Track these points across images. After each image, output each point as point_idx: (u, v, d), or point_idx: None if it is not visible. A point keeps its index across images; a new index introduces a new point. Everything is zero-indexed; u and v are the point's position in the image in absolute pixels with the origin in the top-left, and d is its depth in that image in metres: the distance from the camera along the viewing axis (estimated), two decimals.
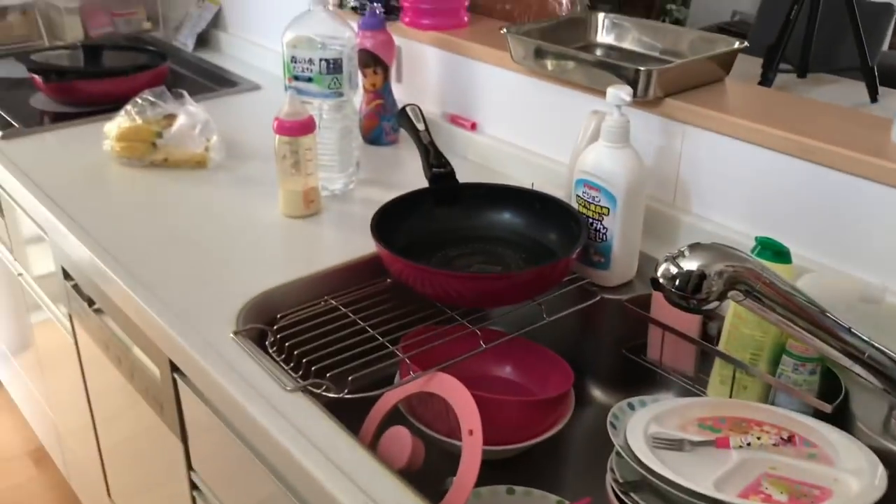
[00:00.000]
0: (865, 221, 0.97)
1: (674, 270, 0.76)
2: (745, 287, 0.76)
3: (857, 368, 0.80)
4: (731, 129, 1.07)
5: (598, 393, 1.14)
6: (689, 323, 1.02)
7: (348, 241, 1.15)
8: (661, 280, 0.77)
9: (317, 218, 1.22)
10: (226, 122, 1.51)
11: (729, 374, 0.97)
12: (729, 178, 1.09)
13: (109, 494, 1.56)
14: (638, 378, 1.09)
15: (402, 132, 1.46)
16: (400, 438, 0.89)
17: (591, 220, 1.07)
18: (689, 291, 0.75)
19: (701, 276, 0.76)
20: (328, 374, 0.89)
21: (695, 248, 0.76)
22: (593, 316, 1.10)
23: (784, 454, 0.84)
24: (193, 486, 1.12)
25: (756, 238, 0.92)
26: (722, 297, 0.76)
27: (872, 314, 0.89)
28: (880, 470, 0.80)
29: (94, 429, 1.49)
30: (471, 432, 0.86)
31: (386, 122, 1.46)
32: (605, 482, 0.86)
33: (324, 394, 0.87)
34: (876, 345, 0.79)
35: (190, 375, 0.97)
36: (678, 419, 0.90)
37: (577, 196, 1.08)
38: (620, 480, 0.84)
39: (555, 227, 1.10)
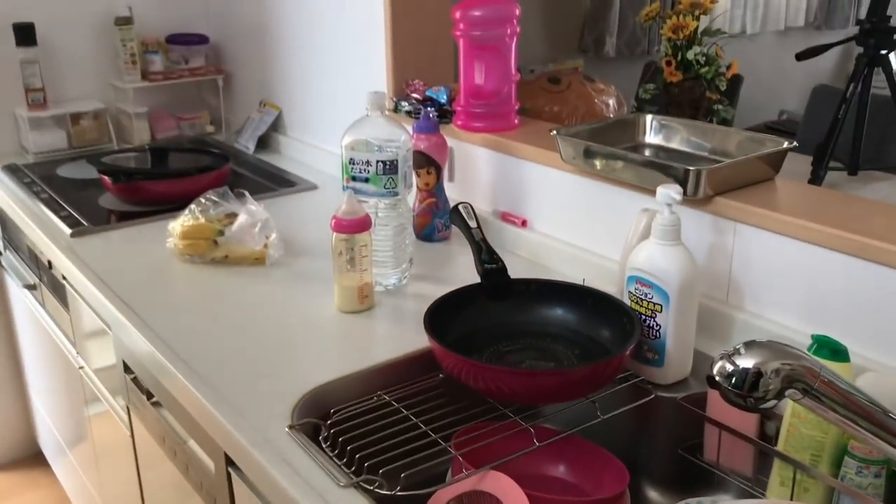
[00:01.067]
0: None
1: (730, 368, 0.76)
2: (803, 385, 0.75)
3: None
4: (782, 226, 1.07)
5: (653, 494, 1.12)
6: (747, 422, 1.01)
7: (401, 336, 1.17)
8: (717, 378, 0.77)
9: (371, 313, 1.24)
10: (284, 221, 1.56)
11: (789, 475, 0.94)
12: (782, 276, 1.09)
13: None
14: (694, 479, 1.07)
15: (454, 229, 1.50)
16: None
17: (643, 317, 1.07)
18: (746, 389, 0.75)
19: (757, 373, 0.75)
20: (381, 471, 0.89)
21: (751, 345, 0.76)
22: (648, 414, 1.09)
23: None
24: None
25: (812, 336, 0.91)
26: (779, 395, 0.75)
27: None
28: None
29: None
30: None
31: (438, 220, 1.49)
32: None
33: (376, 490, 0.87)
34: None
35: (244, 469, 0.98)
36: None
37: (630, 292, 1.08)
38: None
39: (607, 324, 1.11)
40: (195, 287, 1.35)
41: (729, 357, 0.76)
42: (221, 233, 1.43)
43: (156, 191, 1.71)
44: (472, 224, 1.23)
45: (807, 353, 0.78)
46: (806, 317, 1.07)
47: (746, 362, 0.75)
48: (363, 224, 1.20)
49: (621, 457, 1.05)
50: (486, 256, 1.18)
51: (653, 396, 1.06)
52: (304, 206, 1.74)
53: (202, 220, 1.43)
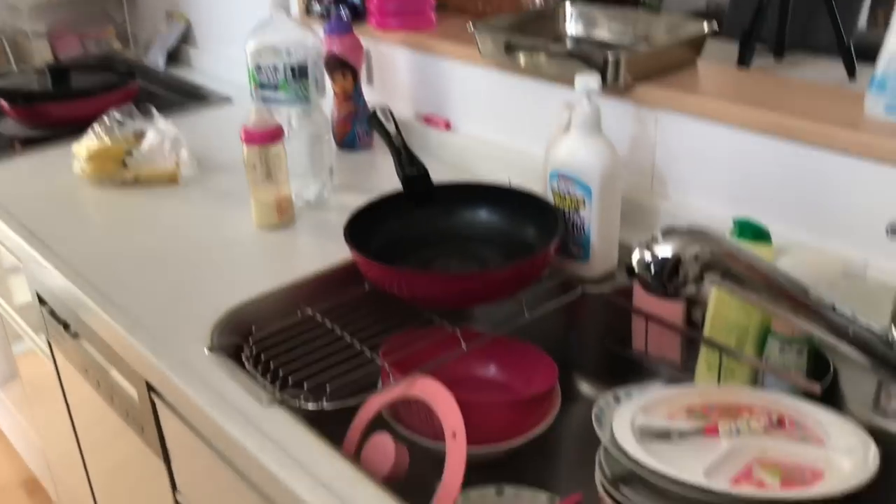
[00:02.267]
0: (843, 196, 0.95)
1: (648, 257, 0.74)
2: (723, 269, 0.74)
3: (843, 346, 0.78)
4: (703, 110, 1.05)
5: (585, 387, 1.12)
6: (673, 311, 1.01)
7: (324, 249, 1.13)
8: (636, 268, 0.75)
9: (291, 228, 1.20)
10: (197, 137, 1.49)
11: (715, 360, 0.95)
12: (705, 162, 1.08)
13: None
14: (625, 370, 1.07)
15: (377, 136, 1.45)
16: (382, 446, 0.87)
17: (567, 213, 1.05)
18: (666, 277, 0.73)
19: (676, 260, 0.74)
20: (306, 385, 0.87)
21: (669, 232, 0.75)
22: (576, 310, 1.08)
23: (775, 438, 0.82)
24: None
25: (734, 220, 0.91)
26: (699, 280, 0.74)
27: (855, 290, 0.87)
28: (872, 448, 0.78)
29: (81, 456, 1.47)
30: (454, 435, 0.84)
31: (359, 127, 1.44)
32: (594, 477, 0.84)
33: (302, 405, 0.85)
34: (860, 321, 0.78)
35: (166, 395, 0.95)
36: (666, 409, 0.88)
37: (553, 189, 1.06)
38: (609, 475, 0.82)
39: (533, 223, 1.09)
40: (106, 211, 1.29)
41: (647, 246, 0.75)
42: (130, 153, 1.36)
43: (58, 113, 1.61)
44: (391, 129, 1.19)
45: (726, 236, 0.77)
46: (730, 201, 1.07)
47: (664, 249, 0.74)
48: (275, 134, 1.15)
49: (551, 353, 1.05)
50: (407, 162, 1.14)
51: (579, 292, 1.05)
52: (218, 120, 1.66)
53: (107, 140, 1.36)
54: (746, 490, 0.74)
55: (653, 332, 1.03)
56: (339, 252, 1.08)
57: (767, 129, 0.99)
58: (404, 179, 1.12)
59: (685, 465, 0.78)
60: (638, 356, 1.05)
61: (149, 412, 1.04)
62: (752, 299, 0.75)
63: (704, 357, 0.97)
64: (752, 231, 0.90)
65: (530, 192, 1.10)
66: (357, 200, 1.10)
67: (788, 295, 0.76)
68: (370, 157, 1.45)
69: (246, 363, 0.93)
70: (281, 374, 0.88)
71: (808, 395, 0.87)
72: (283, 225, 1.19)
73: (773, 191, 1.02)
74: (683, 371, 1.01)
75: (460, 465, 0.82)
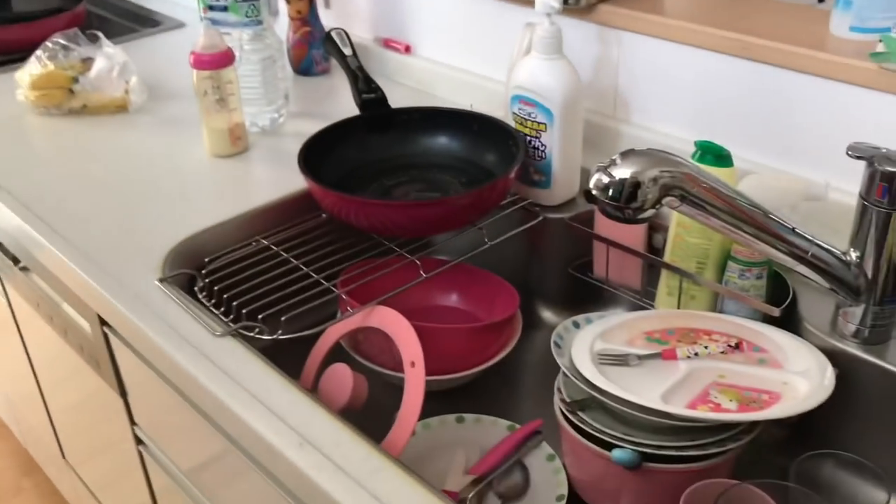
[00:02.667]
0: (806, 117, 0.94)
1: (606, 180, 0.72)
2: (682, 192, 0.73)
3: (802, 268, 0.78)
4: (668, 31, 1.02)
5: (547, 314, 1.12)
6: (635, 237, 1.00)
7: (279, 177, 1.10)
8: (593, 191, 0.74)
9: (245, 156, 1.16)
10: (148, 64, 1.43)
11: (676, 285, 0.95)
12: (669, 85, 1.05)
13: (64, 457, 1.52)
14: (586, 297, 1.07)
15: (335, 61, 1.40)
16: (340, 376, 0.86)
17: (529, 138, 1.02)
18: (624, 201, 0.72)
19: (635, 183, 0.72)
20: (260, 317, 0.85)
21: (627, 154, 0.73)
22: (537, 237, 1.07)
23: (733, 362, 0.82)
24: (139, 441, 1.09)
25: (696, 142, 0.89)
26: (658, 204, 0.73)
27: (816, 212, 0.86)
28: (829, 370, 0.79)
29: (40, 392, 1.45)
30: (413, 364, 0.83)
31: (315, 51, 1.39)
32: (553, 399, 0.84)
33: (257, 336, 0.84)
34: (819, 242, 0.77)
35: (117, 328, 0.93)
36: (625, 334, 0.88)
37: (514, 113, 1.03)
38: (568, 400, 0.82)
39: (493, 149, 1.06)
40: (53, 141, 1.24)
41: (605, 169, 0.73)
42: (76, 80, 1.30)
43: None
44: (347, 51, 1.15)
45: (686, 159, 0.75)
46: (693, 124, 1.05)
47: (623, 172, 0.72)
48: (225, 58, 1.10)
49: (513, 281, 1.04)
50: (364, 86, 1.10)
51: (541, 218, 1.04)
52: (169, 46, 1.59)
53: (52, 67, 1.30)
54: (702, 413, 0.74)
55: (614, 259, 1.02)
56: (295, 180, 1.05)
57: (731, 50, 0.97)
58: (361, 103, 1.08)
59: (643, 389, 0.78)
60: (599, 282, 1.04)
61: (102, 346, 1.02)
62: (713, 223, 0.74)
63: (665, 282, 0.96)
64: (714, 154, 0.88)
65: (490, 117, 1.07)
66: (314, 127, 1.06)
67: (749, 218, 0.75)
68: (328, 82, 1.40)
69: (199, 294, 0.90)
70: (235, 305, 0.86)
71: (768, 319, 0.87)
72: (237, 153, 1.16)
73: (737, 113, 1.00)
74: (645, 297, 1.00)
75: (419, 393, 0.81)
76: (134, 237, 0.98)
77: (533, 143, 1.02)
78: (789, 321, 0.87)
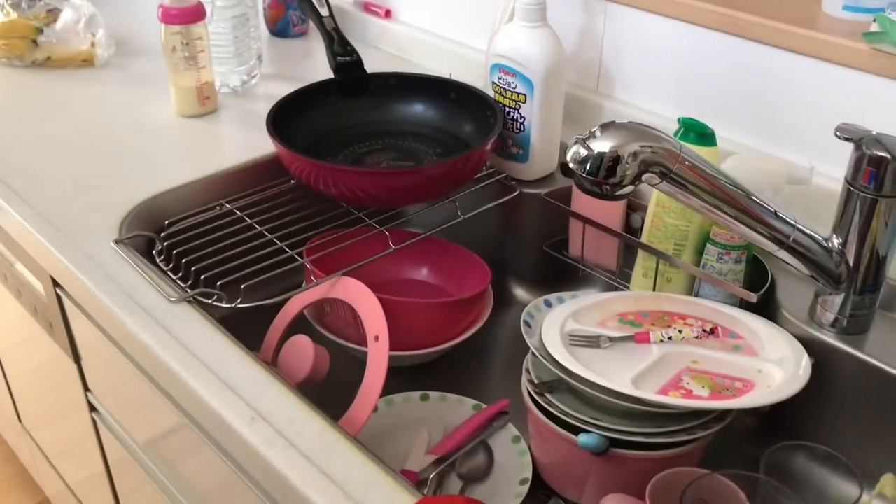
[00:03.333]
0: (793, 98, 0.91)
1: (584, 153, 0.69)
2: (662, 169, 0.69)
3: (783, 254, 0.75)
4: (655, 4, 0.99)
5: (519, 292, 1.09)
6: (612, 216, 0.96)
7: (248, 140, 1.06)
8: (570, 164, 0.70)
9: (214, 116, 1.12)
10: (117, 17, 1.37)
11: (652, 266, 0.92)
12: (654, 59, 1.02)
13: (21, 421, 1.48)
14: (560, 275, 1.04)
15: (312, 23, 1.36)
16: (301, 348, 0.82)
17: (507, 109, 0.99)
18: (602, 175, 0.69)
19: (614, 158, 0.69)
20: (219, 283, 0.81)
21: (607, 127, 0.69)
22: (512, 212, 1.04)
23: (708, 347, 0.80)
24: (92, 408, 1.05)
25: (679, 119, 0.86)
26: (636, 180, 0.70)
27: (799, 196, 0.83)
28: (805, 359, 0.76)
29: None
30: (376, 338, 0.80)
31: (292, 12, 1.34)
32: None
33: (215, 304, 0.80)
34: (802, 227, 0.74)
35: (70, 290, 0.89)
36: (598, 315, 0.85)
37: (494, 83, 1.00)
38: (536, 381, 0.79)
39: (471, 119, 1.02)
40: (14, 94, 1.19)
41: (583, 141, 0.70)
42: (41, 31, 1.25)
43: None
44: (324, 12, 1.10)
45: (668, 135, 0.72)
46: (678, 102, 1.02)
47: (602, 145, 0.69)
48: (196, 13, 1.05)
49: (485, 256, 1.01)
50: (339, 48, 1.06)
51: (516, 193, 1.00)
52: None
53: (15, 16, 1.24)
54: (673, 399, 0.72)
55: (590, 237, 0.99)
56: (263, 144, 1.01)
57: (720, 26, 0.93)
58: (336, 66, 1.04)
59: (613, 372, 0.75)
60: (574, 261, 1.01)
61: (56, 309, 0.98)
62: (693, 203, 0.71)
63: (641, 263, 0.93)
64: (697, 132, 0.85)
65: (468, 86, 1.03)
66: (286, 89, 1.02)
67: (730, 199, 0.72)
68: (304, 44, 1.36)
69: (157, 258, 0.87)
70: (193, 271, 0.82)
71: (745, 305, 0.84)
72: (205, 113, 1.11)
73: (722, 91, 0.97)
74: (620, 278, 0.97)
75: (382, 369, 0.78)
76: (92, 196, 0.94)
77: (511, 114, 0.99)
78: (766, 308, 0.84)
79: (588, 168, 0.69)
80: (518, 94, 0.97)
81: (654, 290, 0.92)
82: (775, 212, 0.74)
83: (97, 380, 1.01)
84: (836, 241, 0.76)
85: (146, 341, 0.74)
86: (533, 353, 0.81)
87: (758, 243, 0.75)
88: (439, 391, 0.90)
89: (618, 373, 0.76)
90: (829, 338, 0.79)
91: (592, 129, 0.70)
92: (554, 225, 1.02)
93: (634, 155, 0.69)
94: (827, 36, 0.86)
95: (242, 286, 0.81)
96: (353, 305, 0.83)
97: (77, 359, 1.01)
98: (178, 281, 0.82)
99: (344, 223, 0.95)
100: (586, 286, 1.03)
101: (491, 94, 1.00)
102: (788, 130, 0.92)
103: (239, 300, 0.80)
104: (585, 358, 0.78)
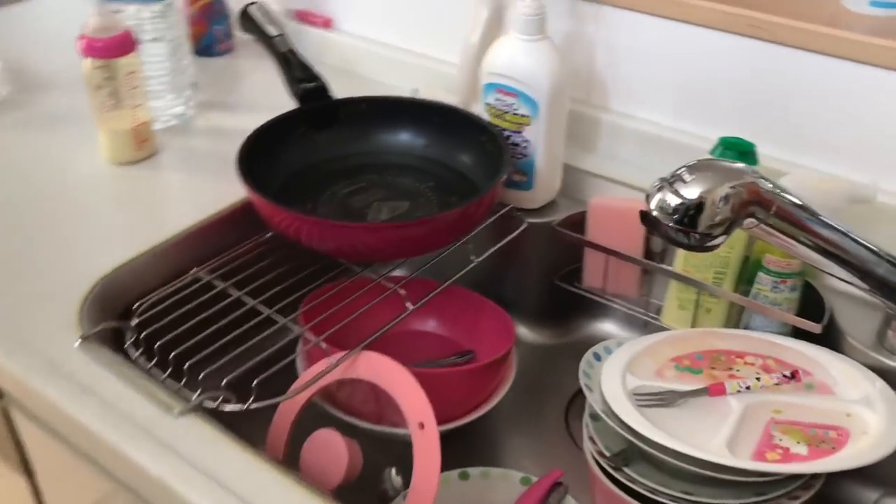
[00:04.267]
0: (823, 105, 0.84)
1: (674, 201, 0.60)
2: (758, 211, 0.61)
3: (865, 284, 0.68)
4: (653, 5, 0.90)
5: (524, 331, 0.98)
6: (632, 241, 0.88)
7: (203, 187, 0.90)
8: (655, 213, 0.61)
9: (154, 161, 0.95)
10: (9, 44, 1.17)
11: (689, 297, 0.84)
12: (654, 66, 0.93)
13: None
14: (570, 309, 0.95)
15: (239, 38, 1.20)
16: (330, 446, 0.69)
17: (507, 133, 0.88)
18: (700, 225, 0.59)
19: (702, 203, 0.60)
20: (217, 379, 0.67)
21: (699, 168, 0.60)
22: (517, 245, 0.93)
23: (783, 391, 0.73)
24: None
25: (720, 139, 0.78)
26: (730, 229, 0.61)
27: (864, 216, 0.77)
28: (891, 394, 0.70)
29: None
30: (422, 426, 0.68)
31: (217, 27, 1.18)
32: (562, 440, 0.72)
33: (221, 408, 0.66)
34: (885, 255, 0.68)
35: (31, 408, 0.72)
36: (652, 364, 0.76)
37: (489, 104, 0.88)
38: (606, 453, 0.70)
39: (461, 146, 0.91)
40: None
41: (670, 184, 0.60)
42: None
43: None
44: (273, 31, 0.96)
45: (750, 168, 0.63)
46: (684, 113, 0.93)
47: (692, 192, 0.60)
48: (125, 43, 0.88)
49: (486, 294, 0.90)
50: (300, 72, 0.92)
51: (525, 226, 0.90)
52: (37, 19, 1.31)
53: None
54: (785, 466, 0.64)
55: (609, 266, 0.90)
56: (222, 189, 0.86)
57: (725, 26, 0.85)
58: (301, 94, 0.90)
59: (698, 436, 0.67)
60: (590, 293, 0.92)
61: (4, 431, 0.80)
62: (794, 248, 0.63)
63: (676, 294, 0.85)
64: (738, 150, 0.77)
65: (456, 108, 0.92)
66: (230, 120, 0.88)
67: (827, 239, 0.64)
68: (232, 63, 1.20)
69: (131, 353, 0.71)
70: (187, 368, 0.68)
71: (799, 335, 0.78)
72: (143, 157, 0.95)
73: (736, 99, 0.89)
74: (640, 306, 0.89)
75: (434, 461, 0.66)
76: (31, 283, 0.77)
77: (512, 139, 0.88)
78: (827, 336, 0.78)
79: (676, 218, 0.60)
80: (521, 116, 0.86)
81: (692, 323, 0.84)
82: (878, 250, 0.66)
83: (58, 498, 0.84)
84: None
85: (142, 464, 0.60)
86: (593, 416, 0.72)
87: (846, 279, 0.68)
88: (470, 465, 0.79)
89: (703, 436, 0.67)
90: None
91: (678, 170, 0.60)
92: (562, 255, 0.93)
93: (725, 199, 0.60)
94: (861, 36, 0.79)
95: (254, 383, 0.67)
96: (384, 388, 0.71)
97: (29, 475, 0.84)
98: (173, 384, 0.67)
99: (336, 274, 0.82)
100: (602, 318, 0.95)
101: (484, 116, 0.89)
102: (823, 139, 0.85)
103: (252, 399, 0.67)
104: (659, 419, 0.69)
